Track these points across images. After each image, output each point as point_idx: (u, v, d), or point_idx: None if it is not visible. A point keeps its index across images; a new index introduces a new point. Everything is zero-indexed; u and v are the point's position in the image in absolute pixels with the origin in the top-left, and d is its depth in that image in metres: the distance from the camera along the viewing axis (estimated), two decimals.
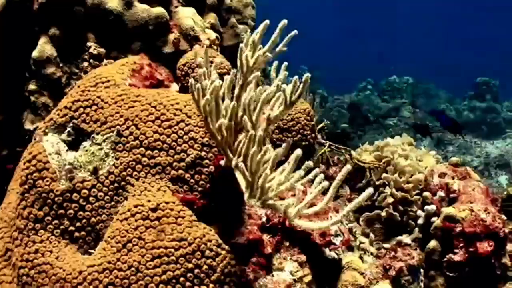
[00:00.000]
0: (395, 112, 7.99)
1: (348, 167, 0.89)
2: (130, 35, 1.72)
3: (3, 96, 1.79)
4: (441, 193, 1.77)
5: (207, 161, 1.27)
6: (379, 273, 1.71)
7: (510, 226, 2.06)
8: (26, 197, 1.27)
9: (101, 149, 1.28)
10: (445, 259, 1.65)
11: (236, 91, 1.12)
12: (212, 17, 1.91)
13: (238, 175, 1.03)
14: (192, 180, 1.26)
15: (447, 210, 1.67)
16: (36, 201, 1.26)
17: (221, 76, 1.29)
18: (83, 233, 1.25)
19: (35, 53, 1.67)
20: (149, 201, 1.20)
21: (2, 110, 1.80)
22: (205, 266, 1.18)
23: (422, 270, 1.73)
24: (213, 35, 1.80)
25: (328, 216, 1.48)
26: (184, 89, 1.51)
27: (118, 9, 1.68)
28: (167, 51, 1.75)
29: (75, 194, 1.25)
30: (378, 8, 22.32)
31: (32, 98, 1.70)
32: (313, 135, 1.51)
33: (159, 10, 1.73)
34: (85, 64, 1.69)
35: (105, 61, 1.69)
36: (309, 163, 0.99)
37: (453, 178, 1.82)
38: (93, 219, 1.25)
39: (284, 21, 1.13)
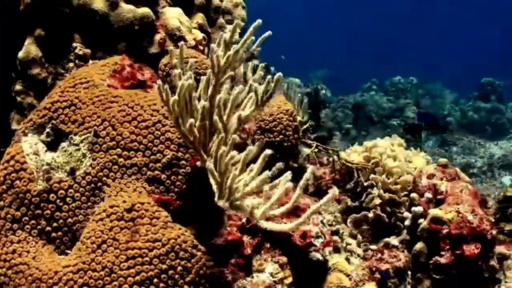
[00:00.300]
0: (399, 113, 7.95)
1: (312, 167, 0.89)
2: (116, 35, 1.72)
3: None
4: (428, 195, 1.75)
5: (183, 162, 1.26)
6: (365, 275, 1.70)
7: (507, 227, 2.05)
8: (3, 197, 1.27)
9: (79, 149, 1.28)
10: (431, 262, 1.63)
11: (209, 91, 1.12)
12: (200, 18, 1.91)
13: (210, 176, 1.02)
14: (168, 181, 1.25)
15: (433, 211, 1.65)
16: (14, 201, 1.26)
17: (200, 76, 1.28)
18: (60, 233, 1.26)
19: (20, 54, 1.68)
20: (124, 202, 1.20)
21: None
22: (179, 268, 1.17)
23: (409, 272, 1.71)
24: (199, 35, 1.80)
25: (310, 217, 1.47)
26: None
27: (104, 9, 1.69)
28: (153, 51, 1.76)
29: (52, 195, 1.25)
30: (380, 8, 22.26)
31: (18, 99, 1.71)
32: (295, 135, 1.50)
33: (144, 10, 1.73)
34: (71, 64, 1.69)
35: (90, 61, 1.70)
36: (280, 164, 0.98)
37: (441, 179, 1.80)
38: (69, 220, 1.25)
39: (259, 21, 1.12)
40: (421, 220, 1.70)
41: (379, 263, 1.71)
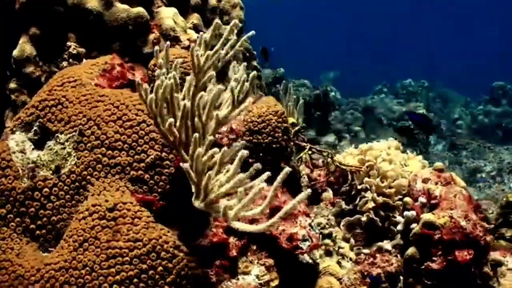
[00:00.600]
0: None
1: (287, 169, 0.87)
2: (110, 35, 1.73)
3: None
4: (422, 199, 1.73)
5: (167, 162, 1.26)
6: (357, 279, 1.68)
7: (508, 233, 2.01)
8: None
9: (64, 148, 1.28)
10: (423, 267, 1.60)
11: (191, 91, 1.11)
12: (195, 18, 1.91)
13: (187, 177, 1.02)
14: (151, 181, 1.25)
15: (426, 216, 1.62)
16: None
17: (187, 75, 1.28)
18: (44, 231, 1.26)
19: (15, 52, 1.69)
20: (106, 201, 1.20)
21: None
22: (160, 268, 1.17)
23: (401, 277, 1.69)
24: (194, 35, 1.80)
25: (298, 220, 1.46)
26: None
27: (98, 9, 1.69)
28: (147, 51, 1.76)
29: (36, 193, 1.26)
30: (387, 10, 22.11)
31: (13, 97, 1.72)
32: (285, 137, 1.48)
33: (139, 10, 1.73)
34: (65, 63, 1.70)
35: (84, 60, 1.70)
36: (257, 165, 0.97)
37: (436, 183, 1.77)
38: (54, 218, 1.25)
39: (235, 21, 1.11)
40: (413, 225, 1.68)
41: (371, 267, 1.69)
